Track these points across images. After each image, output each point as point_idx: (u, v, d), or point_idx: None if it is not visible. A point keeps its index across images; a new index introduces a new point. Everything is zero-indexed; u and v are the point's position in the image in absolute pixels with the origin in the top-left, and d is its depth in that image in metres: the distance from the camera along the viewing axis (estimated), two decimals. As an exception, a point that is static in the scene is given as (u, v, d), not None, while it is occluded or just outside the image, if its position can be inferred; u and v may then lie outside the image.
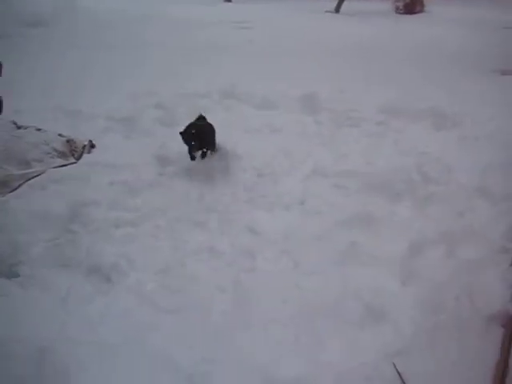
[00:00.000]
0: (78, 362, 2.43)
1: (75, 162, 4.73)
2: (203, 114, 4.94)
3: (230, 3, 20.72)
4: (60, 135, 5.02)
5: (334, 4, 17.45)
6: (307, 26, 13.12)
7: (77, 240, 3.61)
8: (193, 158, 4.56)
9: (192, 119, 4.91)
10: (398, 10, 17.23)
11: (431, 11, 16.76)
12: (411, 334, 2.73)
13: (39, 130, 5.04)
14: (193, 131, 4.53)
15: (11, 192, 4.13)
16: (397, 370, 2.34)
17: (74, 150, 4.90)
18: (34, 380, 2.31)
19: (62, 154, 4.81)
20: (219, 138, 4.79)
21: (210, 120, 4.87)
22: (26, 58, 7.61)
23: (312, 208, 4.02)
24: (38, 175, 4.43)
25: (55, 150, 4.82)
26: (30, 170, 4.49)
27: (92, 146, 5.00)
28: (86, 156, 4.83)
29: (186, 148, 4.47)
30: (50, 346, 2.51)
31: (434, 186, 4.15)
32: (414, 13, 16.90)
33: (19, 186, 4.23)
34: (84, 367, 2.42)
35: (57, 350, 2.47)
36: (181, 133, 4.51)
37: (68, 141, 4.96)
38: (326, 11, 16.84)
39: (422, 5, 17.40)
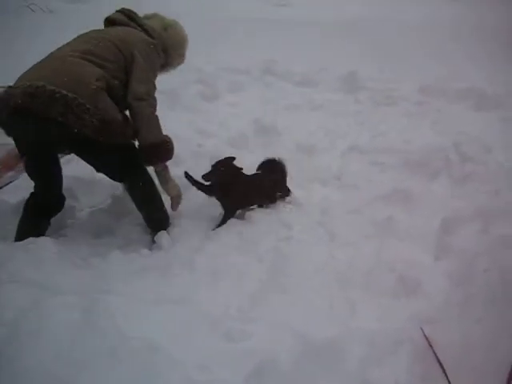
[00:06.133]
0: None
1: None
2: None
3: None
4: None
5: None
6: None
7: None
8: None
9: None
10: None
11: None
12: (442, 305, 2.79)
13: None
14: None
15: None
16: (424, 334, 2.43)
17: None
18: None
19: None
20: (260, 115, 4.86)
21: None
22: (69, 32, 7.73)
23: (349, 183, 4.11)
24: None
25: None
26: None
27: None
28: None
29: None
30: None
31: (472, 165, 4.16)
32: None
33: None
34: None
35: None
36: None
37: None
38: None
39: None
